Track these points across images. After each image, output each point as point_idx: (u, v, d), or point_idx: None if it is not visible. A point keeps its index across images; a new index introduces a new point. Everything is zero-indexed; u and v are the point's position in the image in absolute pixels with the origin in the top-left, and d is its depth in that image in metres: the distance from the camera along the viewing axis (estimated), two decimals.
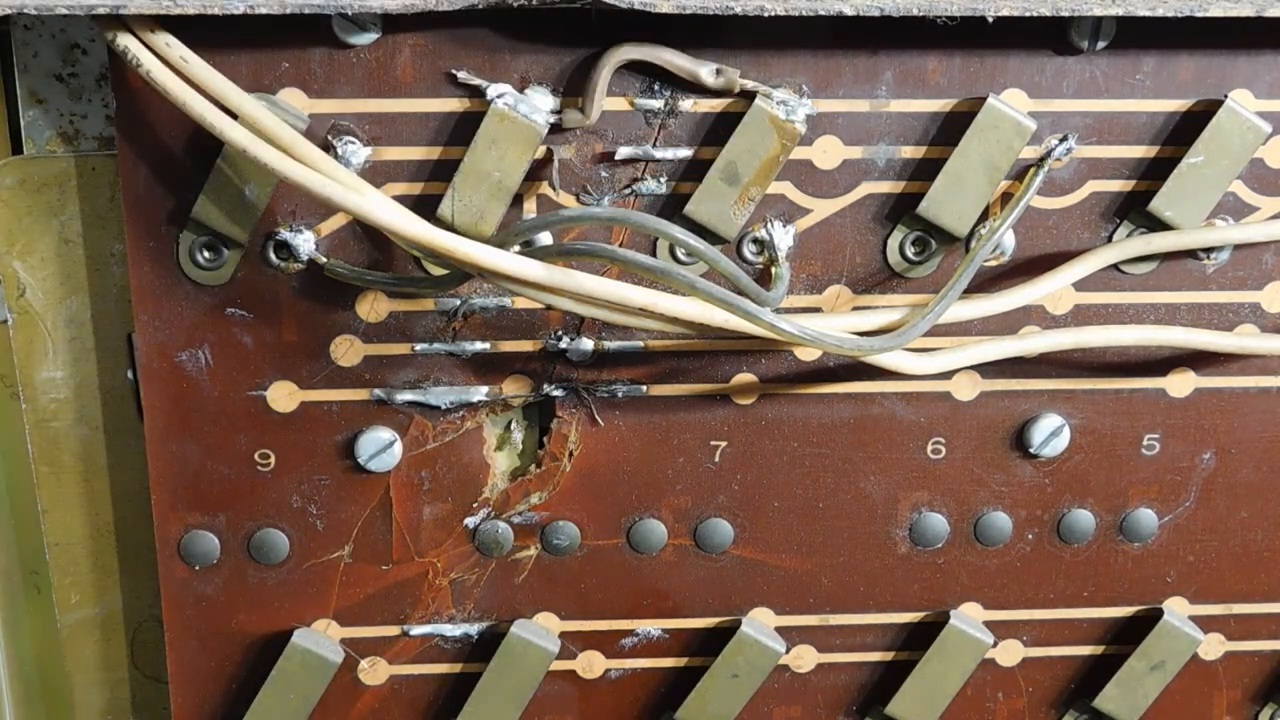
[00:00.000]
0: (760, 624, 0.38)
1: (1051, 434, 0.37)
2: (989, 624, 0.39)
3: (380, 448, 0.36)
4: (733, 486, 0.37)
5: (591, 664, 0.39)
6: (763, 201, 0.34)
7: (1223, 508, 0.38)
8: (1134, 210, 0.35)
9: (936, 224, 0.35)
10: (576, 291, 0.32)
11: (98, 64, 0.35)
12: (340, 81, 0.33)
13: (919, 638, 0.39)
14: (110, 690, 0.41)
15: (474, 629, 0.38)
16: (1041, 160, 0.34)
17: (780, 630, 0.39)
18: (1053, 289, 0.35)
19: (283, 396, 0.36)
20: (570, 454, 0.37)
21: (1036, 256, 0.36)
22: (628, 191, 0.34)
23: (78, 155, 0.35)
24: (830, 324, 0.34)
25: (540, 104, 0.33)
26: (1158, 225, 0.35)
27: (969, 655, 0.39)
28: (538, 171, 0.34)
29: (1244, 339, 0.36)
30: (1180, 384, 0.37)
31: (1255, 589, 0.39)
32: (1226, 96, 0.34)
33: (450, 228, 0.33)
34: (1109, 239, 0.36)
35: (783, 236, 0.35)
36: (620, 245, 0.34)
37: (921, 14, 0.31)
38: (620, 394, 0.36)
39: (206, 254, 0.34)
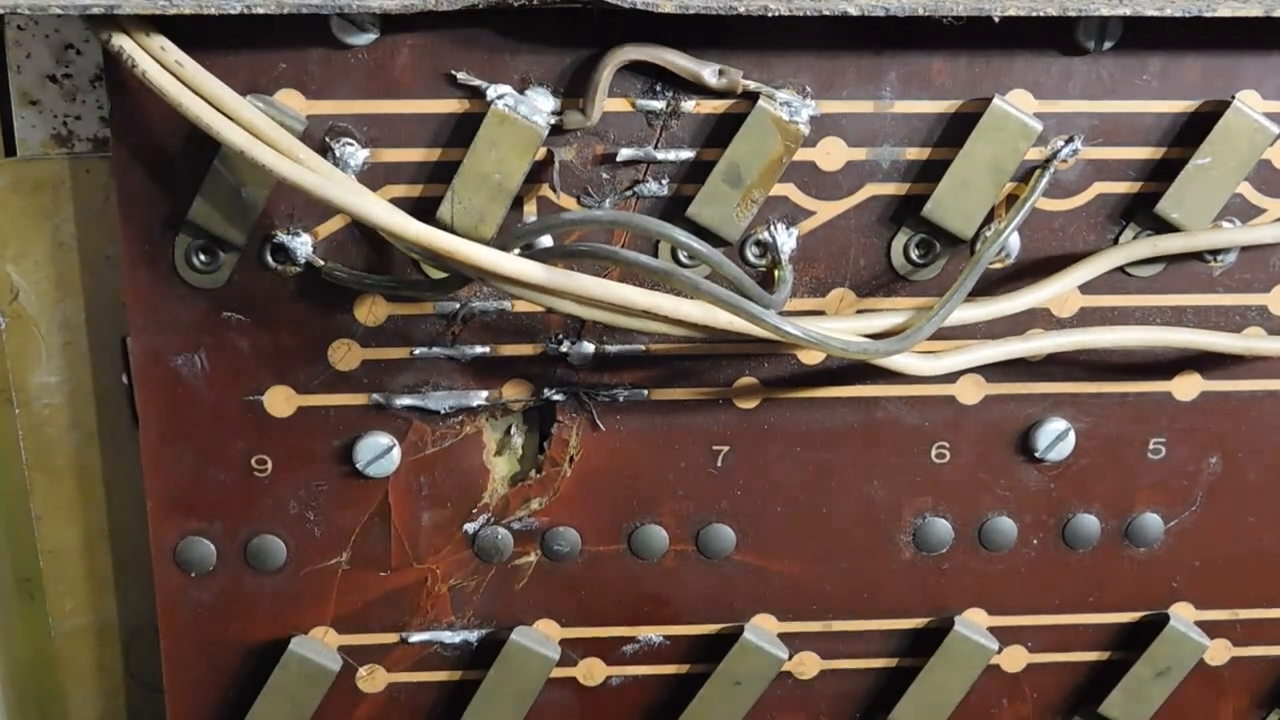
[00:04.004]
0: (763, 630, 0.38)
1: (1056, 438, 0.37)
2: (993, 630, 0.39)
3: (379, 453, 0.36)
4: (734, 491, 0.37)
5: (592, 671, 0.39)
6: (766, 203, 0.34)
7: (1229, 512, 0.38)
8: (1140, 212, 0.35)
9: (941, 226, 0.34)
10: (578, 293, 0.32)
11: (92, 64, 0.35)
12: (338, 82, 0.33)
13: (923, 644, 0.39)
14: (105, 699, 0.41)
15: (473, 636, 0.38)
16: (1047, 162, 0.34)
17: (783, 637, 0.38)
18: (1059, 291, 0.34)
19: (280, 401, 0.35)
20: (571, 459, 0.36)
21: (1042, 259, 0.35)
22: (629, 193, 0.34)
23: (72, 157, 0.35)
24: (834, 326, 0.34)
25: (541, 105, 0.33)
26: (1164, 227, 0.35)
27: (973, 661, 0.38)
28: (538, 173, 0.34)
29: (1250, 340, 0.36)
30: (1186, 387, 0.37)
31: (1262, 594, 0.39)
32: (1234, 97, 0.34)
33: (450, 230, 0.33)
34: (1115, 241, 0.35)
35: (786, 239, 0.34)
36: (622, 247, 0.34)
37: (926, 14, 0.31)
38: (621, 398, 0.36)
39: (202, 257, 0.34)
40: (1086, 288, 0.36)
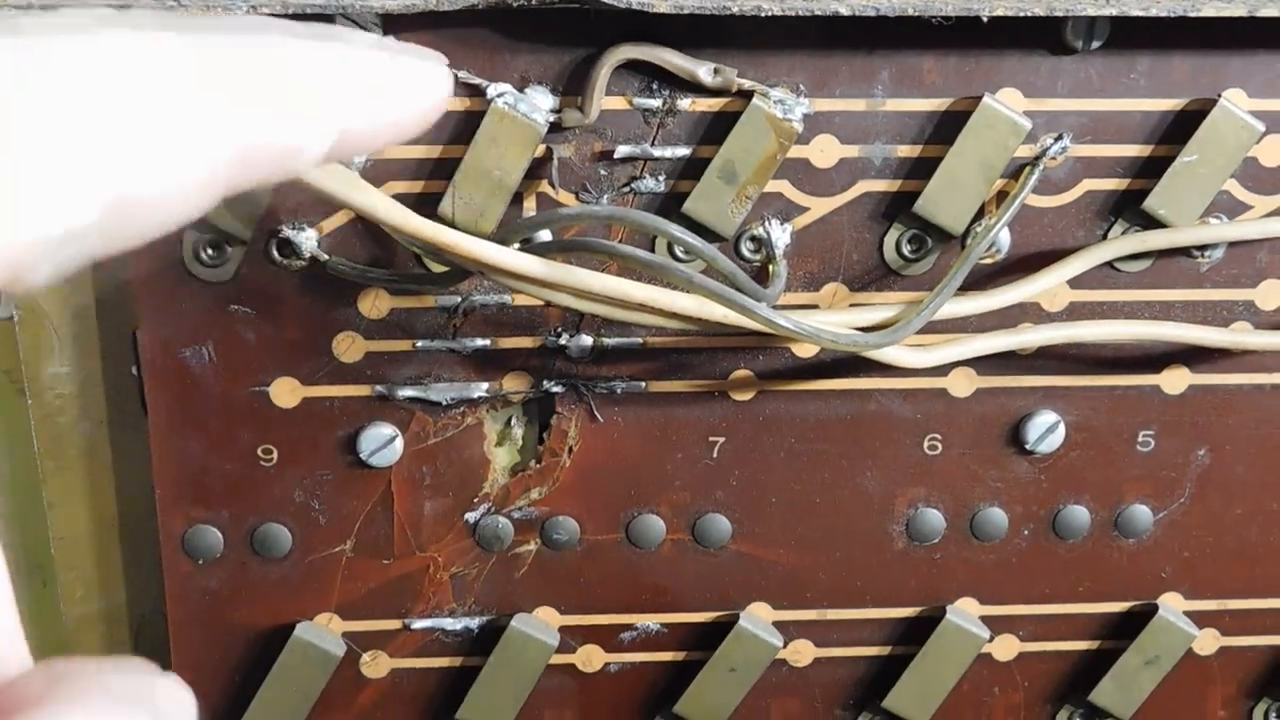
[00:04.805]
0: (758, 618, 0.39)
1: (1047, 430, 0.37)
2: (985, 619, 0.39)
3: (381, 443, 0.36)
4: (730, 482, 0.38)
5: (591, 658, 0.39)
6: (760, 200, 0.35)
7: (1217, 504, 0.39)
8: (1129, 208, 0.36)
9: (932, 222, 0.35)
10: (576, 287, 0.33)
11: None
12: None
13: (916, 632, 0.39)
14: None
15: (474, 623, 0.38)
16: (1036, 159, 0.34)
17: (778, 625, 0.39)
18: (1048, 286, 0.35)
19: (285, 392, 0.36)
20: (570, 450, 0.37)
21: (1032, 254, 0.36)
22: (626, 190, 0.35)
23: None
24: (826, 320, 0.34)
25: (540, 103, 0.33)
26: (1152, 223, 0.35)
27: (965, 650, 0.39)
28: (538, 170, 0.34)
29: (1237, 334, 0.36)
30: (1174, 381, 0.38)
31: (1250, 584, 0.40)
32: (1220, 96, 0.34)
33: (451, 225, 0.33)
34: (1104, 237, 0.36)
35: (780, 234, 0.35)
36: (619, 242, 0.35)
37: (917, 14, 0.32)
38: (619, 390, 0.37)
39: (210, 251, 0.34)
40: (1076, 282, 0.36)
